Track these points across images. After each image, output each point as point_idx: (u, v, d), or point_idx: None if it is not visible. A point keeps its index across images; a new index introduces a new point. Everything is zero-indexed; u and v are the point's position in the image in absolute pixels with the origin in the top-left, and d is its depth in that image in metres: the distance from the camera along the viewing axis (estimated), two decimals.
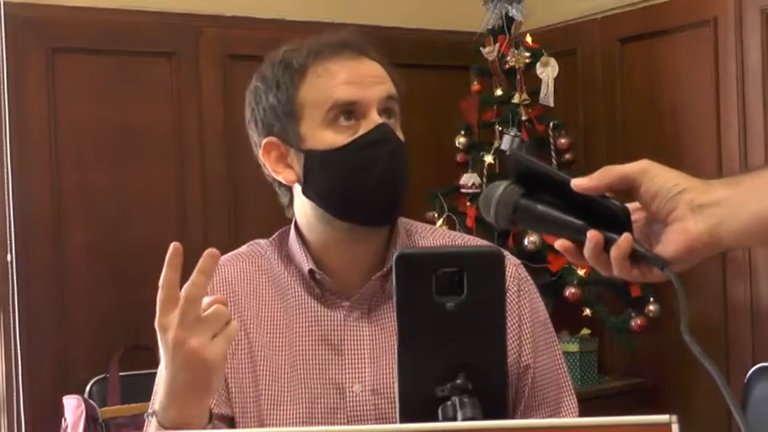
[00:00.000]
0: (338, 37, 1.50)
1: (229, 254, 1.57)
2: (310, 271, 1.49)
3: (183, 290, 1.18)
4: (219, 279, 1.52)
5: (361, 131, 1.44)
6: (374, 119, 1.44)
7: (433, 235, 1.58)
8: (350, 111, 1.44)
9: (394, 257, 1.00)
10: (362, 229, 1.47)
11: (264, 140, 1.50)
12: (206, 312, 1.19)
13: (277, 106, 1.47)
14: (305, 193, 1.48)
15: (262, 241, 1.59)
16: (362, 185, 1.44)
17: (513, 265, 1.53)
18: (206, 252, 1.20)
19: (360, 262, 1.50)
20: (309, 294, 1.51)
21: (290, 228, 1.56)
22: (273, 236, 1.59)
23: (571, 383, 1.56)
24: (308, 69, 1.46)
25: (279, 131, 1.48)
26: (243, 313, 1.50)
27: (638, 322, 3.43)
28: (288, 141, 1.47)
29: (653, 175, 1.02)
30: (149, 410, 1.32)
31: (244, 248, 1.59)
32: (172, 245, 1.19)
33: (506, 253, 1.47)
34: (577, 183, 1.03)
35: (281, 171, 1.49)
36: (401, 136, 1.48)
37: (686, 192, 1.01)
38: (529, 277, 1.55)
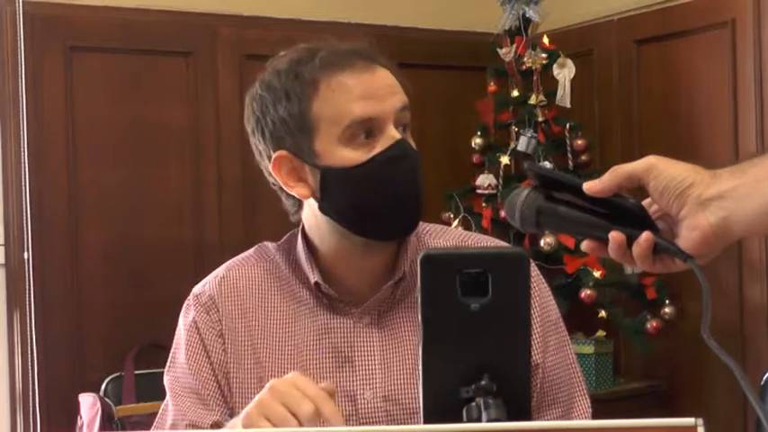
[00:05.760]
0: (347, 46, 1.47)
1: (238, 257, 1.57)
2: (316, 284, 1.48)
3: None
4: (228, 285, 1.52)
5: (379, 148, 1.41)
6: (391, 134, 1.42)
7: (444, 236, 1.57)
8: (369, 128, 1.41)
9: (419, 258, 1.00)
10: (379, 242, 1.47)
11: (275, 154, 1.46)
12: None
13: (288, 120, 1.43)
14: (322, 209, 1.46)
15: (270, 244, 1.57)
16: (383, 202, 1.43)
17: None
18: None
19: (369, 272, 1.49)
20: (318, 301, 1.50)
21: (297, 232, 1.54)
22: (282, 239, 1.57)
23: (584, 384, 1.55)
24: (321, 82, 1.42)
25: (291, 146, 1.44)
26: (250, 320, 1.50)
27: (654, 324, 3.41)
28: (301, 156, 1.44)
29: (659, 172, 1.03)
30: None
31: (252, 252, 1.57)
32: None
33: None
34: (588, 186, 1.05)
35: (294, 185, 1.46)
36: (413, 144, 1.47)
37: (692, 187, 1.02)
38: (541, 276, 1.54)
